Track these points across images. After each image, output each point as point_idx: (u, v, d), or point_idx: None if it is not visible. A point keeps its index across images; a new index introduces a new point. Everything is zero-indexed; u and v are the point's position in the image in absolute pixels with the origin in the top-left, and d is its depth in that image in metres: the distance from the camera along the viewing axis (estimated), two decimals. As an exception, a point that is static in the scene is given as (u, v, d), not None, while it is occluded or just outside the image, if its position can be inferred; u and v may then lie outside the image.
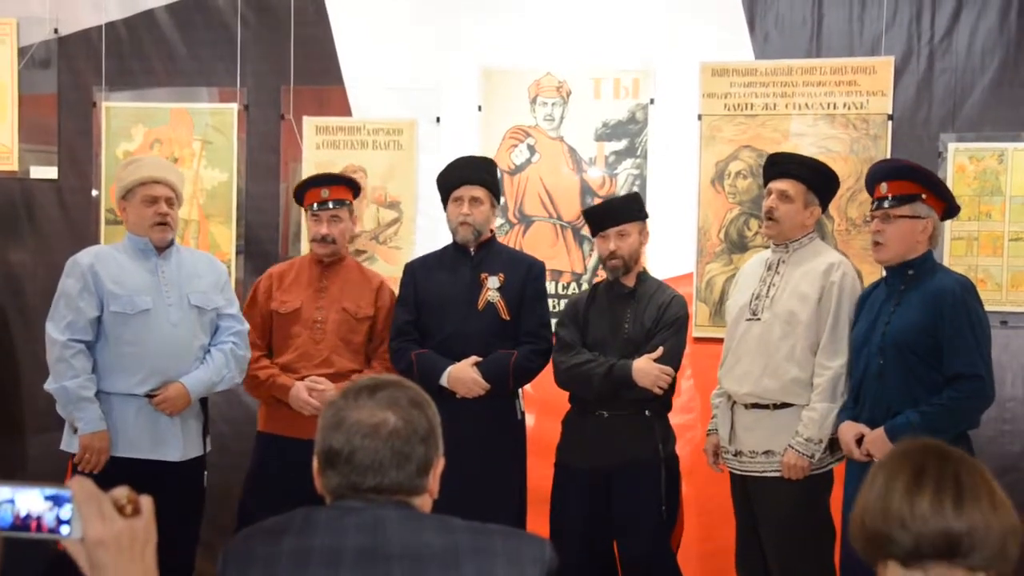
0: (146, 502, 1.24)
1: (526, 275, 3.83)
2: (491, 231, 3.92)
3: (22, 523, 1.20)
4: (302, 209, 4.10)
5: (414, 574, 1.62)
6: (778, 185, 3.58)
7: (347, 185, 4.00)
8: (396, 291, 3.99)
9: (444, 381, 3.67)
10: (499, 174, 4.07)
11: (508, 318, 3.77)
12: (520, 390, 3.85)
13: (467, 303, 3.78)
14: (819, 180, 3.58)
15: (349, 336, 3.88)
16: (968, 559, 1.45)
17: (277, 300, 3.91)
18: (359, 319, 3.89)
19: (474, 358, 3.70)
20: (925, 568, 1.47)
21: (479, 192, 3.79)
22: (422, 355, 3.75)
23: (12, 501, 1.20)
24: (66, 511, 1.20)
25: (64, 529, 1.20)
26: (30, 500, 1.20)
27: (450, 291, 3.80)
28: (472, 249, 3.84)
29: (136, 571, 1.21)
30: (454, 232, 3.84)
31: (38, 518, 1.20)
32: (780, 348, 3.50)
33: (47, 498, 1.20)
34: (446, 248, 3.95)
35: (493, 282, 3.79)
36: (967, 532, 1.44)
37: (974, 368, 3.17)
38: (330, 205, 3.88)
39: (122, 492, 1.22)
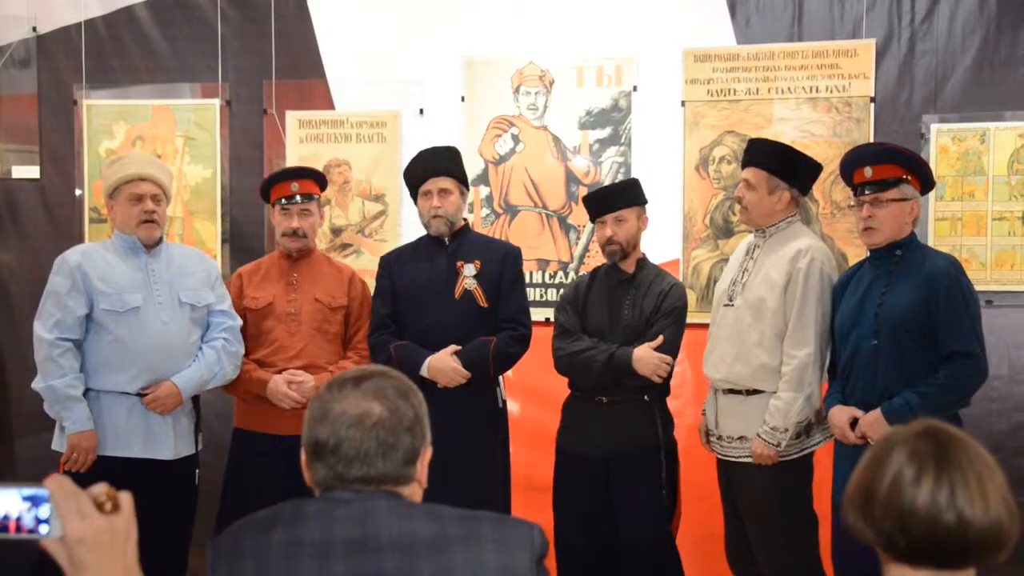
0: (125, 498, 1.22)
1: (502, 261, 3.81)
2: (464, 220, 3.90)
3: (1, 525, 1.19)
4: (269, 205, 4.04)
5: (404, 564, 1.62)
6: (743, 174, 3.62)
7: (315, 179, 3.97)
8: (371, 283, 3.99)
9: (424, 372, 3.65)
10: (464, 160, 4.01)
11: (486, 305, 3.76)
12: (501, 378, 3.84)
13: (444, 292, 3.76)
14: (779, 164, 3.55)
15: (324, 326, 3.86)
16: (955, 549, 1.43)
17: (249, 297, 3.87)
18: (333, 309, 3.88)
19: (453, 347, 3.68)
20: (912, 560, 1.46)
21: (447, 183, 3.77)
22: (401, 347, 3.73)
23: None
24: (45, 510, 1.18)
25: (43, 528, 1.18)
26: (8, 501, 1.18)
27: (427, 281, 3.78)
28: (447, 239, 3.82)
29: (117, 568, 1.19)
30: (427, 226, 3.82)
31: (17, 519, 1.18)
32: (750, 335, 3.50)
33: (25, 498, 1.18)
34: (420, 239, 3.93)
35: (469, 270, 3.78)
36: (956, 523, 1.42)
37: (970, 346, 3.18)
38: (299, 199, 3.86)
39: (101, 489, 1.21)
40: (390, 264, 3.88)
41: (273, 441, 3.72)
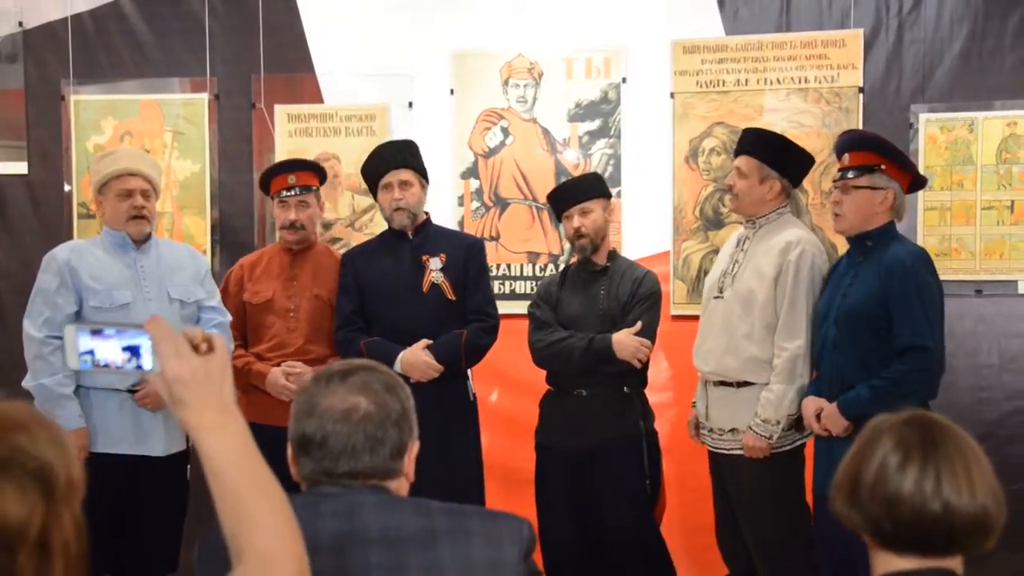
0: (219, 340, 1.32)
1: (467, 254, 3.82)
2: (426, 213, 3.90)
3: (102, 368, 1.30)
4: (269, 198, 4.07)
5: (391, 558, 1.62)
6: (735, 162, 3.62)
7: (313, 171, 3.97)
8: None
9: (397, 367, 3.62)
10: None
11: (454, 298, 3.76)
12: (470, 372, 3.85)
13: (411, 287, 3.76)
14: (771, 154, 3.54)
15: (322, 323, 3.86)
16: (942, 537, 1.44)
17: (249, 291, 3.89)
18: (332, 305, 3.87)
19: (425, 341, 3.68)
20: (898, 548, 1.47)
21: (407, 175, 3.77)
22: (371, 343, 3.72)
23: (92, 352, 1.29)
24: (144, 357, 1.29)
25: (146, 364, 1.29)
26: (109, 350, 1.29)
27: (393, 276, 3.78)
28: (410, 233, 3.82)
29: (213, 404, 1.28)
30: (389, 220, 3.82)
31: (118, 367, 1.29)
32: (740, 327, 3.49)
33: (124, 349, 1.29)
34: (383, 234, 3.94)
35: (435, 263, 3.78)
36: (942, 510, 1.43)
37: (921, 340, 3.11)
38: (297, 191, 3.86)
39: (196, 332, 1.31)
40: (353, 260, 3.88)
41: (274, 432, 3.71)
